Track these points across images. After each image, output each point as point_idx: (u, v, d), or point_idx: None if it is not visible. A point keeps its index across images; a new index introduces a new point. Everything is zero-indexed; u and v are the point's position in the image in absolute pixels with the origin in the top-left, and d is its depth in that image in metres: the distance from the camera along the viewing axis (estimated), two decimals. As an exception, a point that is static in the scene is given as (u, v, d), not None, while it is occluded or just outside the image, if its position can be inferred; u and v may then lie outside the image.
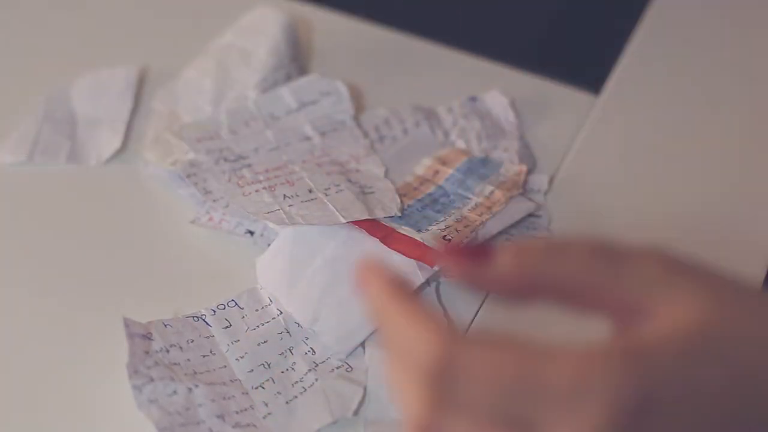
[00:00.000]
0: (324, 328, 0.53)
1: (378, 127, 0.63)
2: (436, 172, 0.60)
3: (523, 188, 0.59)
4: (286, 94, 0.63)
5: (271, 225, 0.56)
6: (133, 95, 0.65)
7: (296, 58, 0.67)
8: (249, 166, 0.59)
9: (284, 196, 0.56)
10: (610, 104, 0.67)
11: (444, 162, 0.60)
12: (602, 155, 0.65)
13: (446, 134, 0.63)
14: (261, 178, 0.58)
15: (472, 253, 0.34)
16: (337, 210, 0.55)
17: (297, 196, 0.56)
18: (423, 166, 0.61)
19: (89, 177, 0.62)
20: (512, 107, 0.65)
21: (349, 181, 0.58)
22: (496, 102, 0.65)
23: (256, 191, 0.57)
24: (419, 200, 0.58)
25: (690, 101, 0.68)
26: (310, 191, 0.57)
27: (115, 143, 0.63)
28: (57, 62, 0.68)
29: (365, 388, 0.51)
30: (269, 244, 0.56)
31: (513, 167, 0.60)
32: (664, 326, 0.31)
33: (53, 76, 0.66)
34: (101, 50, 0.69)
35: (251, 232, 0.58)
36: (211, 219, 0.58)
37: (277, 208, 0.55)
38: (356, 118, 0.63)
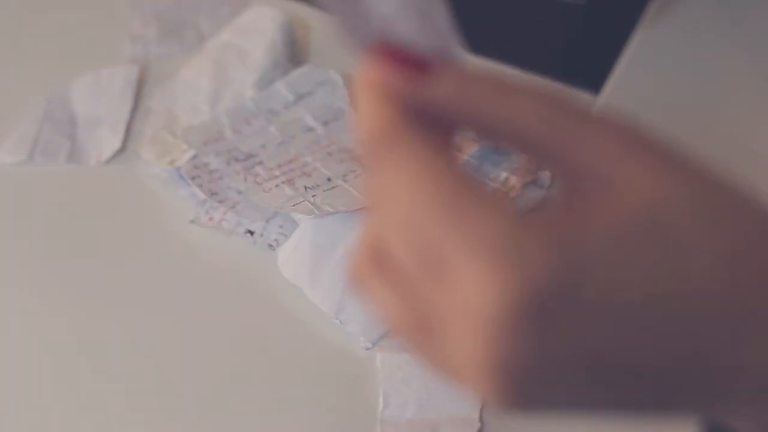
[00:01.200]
0: (350, 317, 0.53)
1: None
2: None
3: (536, 174, 0.59)
4: (282, 88, 0.63)
5: (296, 216, 0.56)
6: (133, 95, 0.65)
7: (293, 57, 0.67)
8: (260, 163, 0.59)
9: (305, 187, 0.56)
10: (610, 104, 0.67)
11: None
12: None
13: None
14: (277, 173, 0.58)
15: (409, 60, 0.28)
16: (361, 194, 0.55)
17: (318, 186, 0.56)
18: None
19: (89, 177, 0.61)
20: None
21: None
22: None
23: (276, 186, 0.57)
24: None
25: (690, 101, 0.68)
26: (329, 179, 0.57)
27: (115, 143, 0.63)
28: (57, 62, 0.68)
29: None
30: (269, 244, 0.56)
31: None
32: (612, 203, 0.27)
33: (53, 76, 0.66)
34: (101, 50, 0.69)
35: (251, 232, 0.58)
36: (211, 219, 0.58)
37: (302, 199, 0.55)
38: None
